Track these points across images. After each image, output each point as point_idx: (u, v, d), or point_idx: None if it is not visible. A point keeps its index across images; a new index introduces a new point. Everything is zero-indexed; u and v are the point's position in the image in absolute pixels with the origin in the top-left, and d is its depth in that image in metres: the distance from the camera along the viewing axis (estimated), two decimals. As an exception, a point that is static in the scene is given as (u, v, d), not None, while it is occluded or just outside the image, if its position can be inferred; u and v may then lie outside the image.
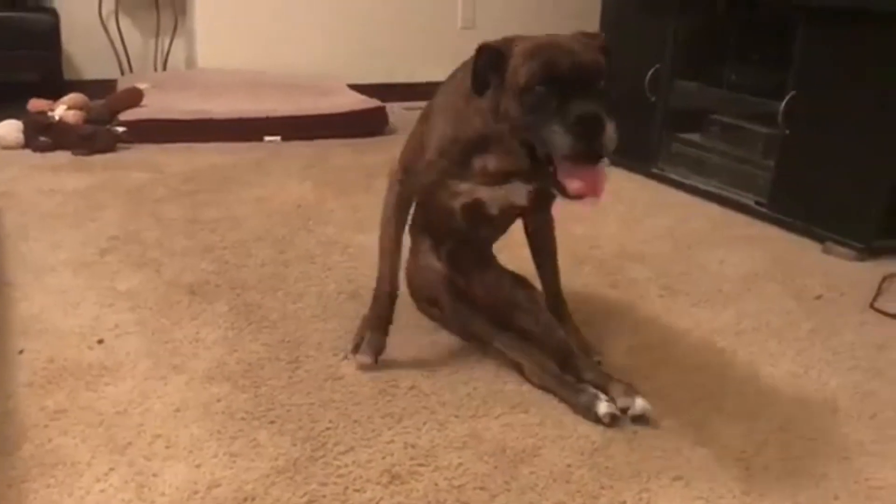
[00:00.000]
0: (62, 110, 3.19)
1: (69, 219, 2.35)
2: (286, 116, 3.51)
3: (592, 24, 3.27)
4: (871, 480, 1.29)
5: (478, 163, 1.44)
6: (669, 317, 1.88)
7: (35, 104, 3.25)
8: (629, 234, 2.46)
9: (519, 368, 1.55)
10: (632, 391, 1.44)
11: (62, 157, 3.02)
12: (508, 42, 1.32)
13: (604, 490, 1.24)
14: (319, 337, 1.69)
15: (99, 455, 1.27)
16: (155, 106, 3.39)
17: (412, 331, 1.63)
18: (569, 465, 1.29)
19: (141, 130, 3.24)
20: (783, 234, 2.50)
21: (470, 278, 1.69)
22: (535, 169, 1.32)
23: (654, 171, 3.05)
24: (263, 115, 3.48)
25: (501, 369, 1.58)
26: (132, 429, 1.34)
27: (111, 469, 1.24)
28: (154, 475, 1.23)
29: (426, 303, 1.76)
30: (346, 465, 1.27)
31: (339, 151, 3.33)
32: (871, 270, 2.20)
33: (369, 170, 3.04)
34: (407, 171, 1.55)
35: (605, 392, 1.45)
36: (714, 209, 2.74)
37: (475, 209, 1.54)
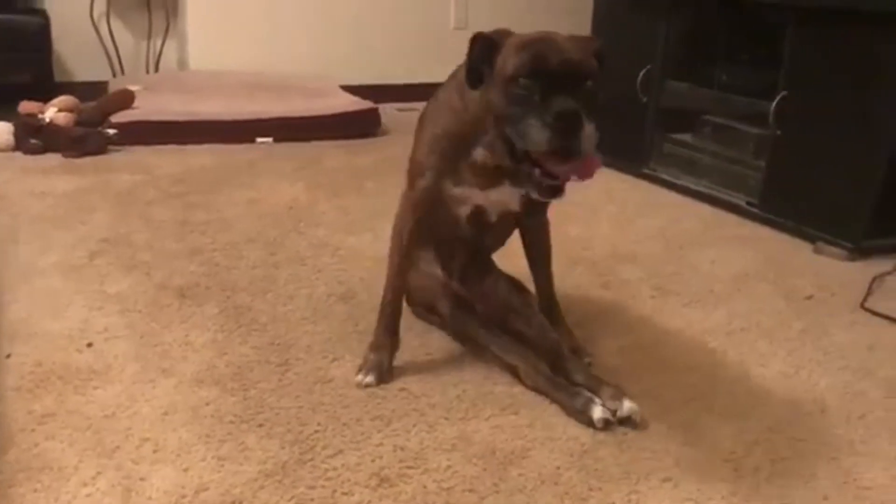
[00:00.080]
0: (53, 112, 3.18)
1: (59, 221, 2.34)
2: (278, 118, 3.50)
3: (584, 25, 3.27)
4: (860, 480, 1.29)
5: (469, 158, 1.44)
6: (661, 317, 1.88)
7: (25, 106, 3.23)
8: (621, 235, 2.46)
9: (514, 371, 1.55)
10: (620, 394, 1.44)
11: (53, 159, 3.01)
12: (502, 34, 1.33)
13: (593, 492, 1.24)
14: (309, 340, 1.69)
15: (86, 459, 1.26)
16: (146, 108, 3.38)
17: (402, 334, 1.62)
18: (558, 467, 1.29)
19: (132, 132, 3.23)
20: (774, 234, 2.51)
21: (474, 289, 1.70)
22: (515, 167, 1.32)
23: (646, 171, 3.05)
24: (255, 116, 3.47)
25: (491, 371, 1.58)
26: (120, 432, 1.34)
27: (98, 473, 1.23)
28: (142, 479, 1.22)
29: (424, 309, 1.76)
30: (335, 469, 1.27)
31: (331, 153, 3.32)
32: (862, 270, 2.20)
33: (361, 171, 3.04)
34: (409, 178, 1.56)
35: (595, 395, 1.44)
36: (705, 209, 2.74)
37: (478, 216, 1.54)
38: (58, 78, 3.90)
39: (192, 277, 1.98)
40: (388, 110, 3.88)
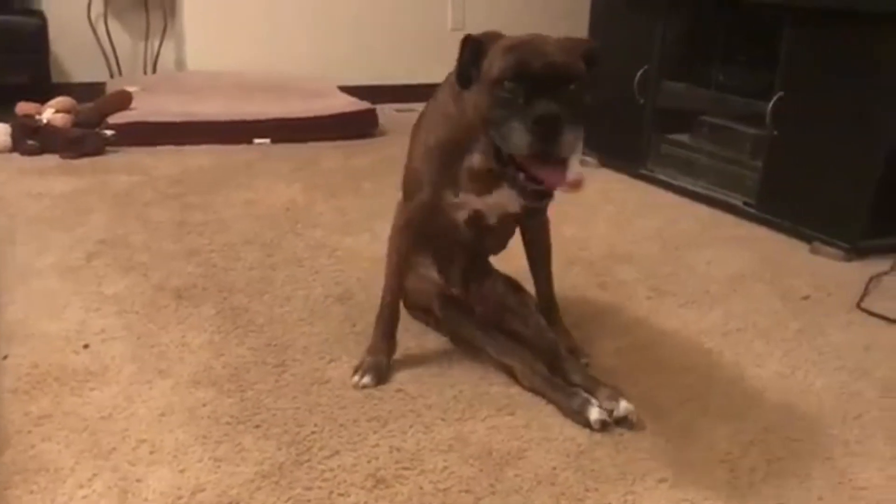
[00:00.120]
0: (50, 113, 3.18)
1: (56, 222, 2.34)
2: (276, 119, 3.50)
3: (581, 26, 3.28)
4: (856, 481, 1.30)
5: (465, 163, 1.44)
6: (657, 318, 1.88)
7: (22, 107, 3.23)
8: (618, 235, 2.47)
9: (511, 372, 1.55)
10: (616, 394, 1.44)
11: (50, 160, 3.01)
12: (491, 36, 1.33)
13: (589, 492, 1.24)
14: (306, 341, 1.69)
15: (83, 461, 1.26)
16: (144, 109, 3.38)
17: (399, 334, 1.63)
18: (554, 468, 1.29)
19: (130, 133, 3.23)
20: (771, 234, 2.51)
21: (474, 292, 1.70)
22: (501, 170, 1.32)
23: (643, 171, 3.05)
24: (253, 117, 3.48)
25: (488, 372, 1.58)
26: (117, 434, 1.34)
27: (95, 475, 1.23)
28: (138, 481, 1.23)
29: (420, 311, 1.76)
30: (332, 470, 1.27)
31: (328, 154, 3.32)
32: (859, 270, 2.20)
33: (359, 172, 3.05)
34: (405, 189, 1.56)
35: (593, 396, 1.45)
36: (703, 210, 2.74)
37: (477, 220, 1.54)
38: (55, 79, 3.91)
39: (190, 278, 1.98)
40: (385, 111, 3.89)
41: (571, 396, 1.45)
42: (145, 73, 4.33)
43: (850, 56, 2.28)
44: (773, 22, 2.52)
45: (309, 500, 1.20)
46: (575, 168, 1.26)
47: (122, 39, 4.28)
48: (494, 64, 1.28)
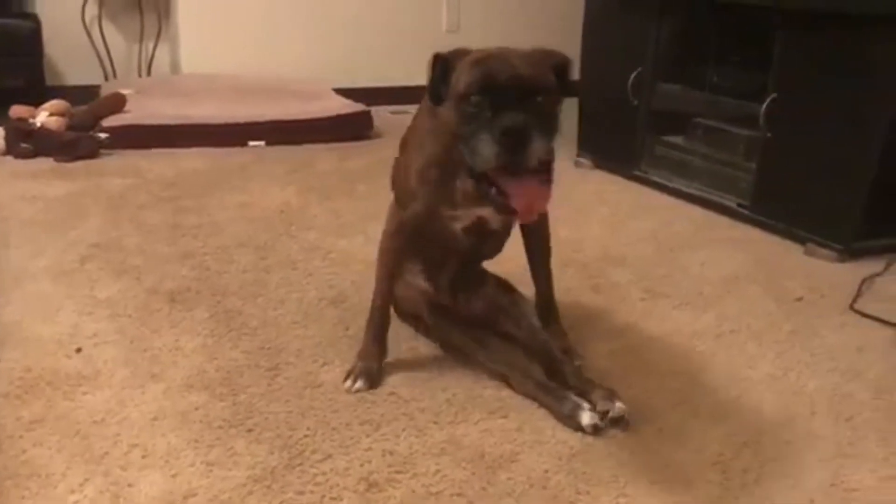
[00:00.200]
0: (44, 116, 3.17)
1: (50, 226, 2.34)
2: (270, 121, 3.50)
3: (575, 28, 3.28)
4: (847, 483, 1.30)
5: (459, 184, 1.41)
6: (651, 320, 1.88)
7: (16, 110, 3.22)
8: (612, 237, 2.47)
9: (504, 379, 1.55)
10: (612, 395, 1.44)
11: (44, 163, 3.01)
12: (458, 53, 1.33)
13: (581, 495, 1.24)
14: (299, 344, 1.69)
15: (74, 465, 1.26)
16: (138, 112, 3.38)
17: (391, 338, 1.63)
18: (546, 471, 1.29)
19: (124, 136, 3.23)
20: (765, 235, 2.51)
21: (466, 299, 1.70)
22: (475, 186, 1.30)
23: (638, 173, 3.05)
24: (247, 119, 3.47)
25: (480, 375, 1.58)
26: (109, 438, 1.34)
27: (86, 479, 1.23)
28: (130, 485, 1.22)
29: (410, 318, 1.76)
30: (324, 473, 1.27)
31: (323, 156, 3.32)
32: (852, 272, 2.21)
33: (353, 174, 3.05)
34: (398, 200, 1.55)
35: (587, 397, 1.45)
36: (697, 211, 2.75)
37: (478, 227, 1.53)
38: (49, 82, 3.90)
39: (183, 282, 1.98)
40: (380, 113, 3.88)
41: (563, 401, 1.44)
42: (140, 75, 4.33)
43: (842, 57, 2.28)
44: (766, 24, 2.52)
45: (301, 504, 1.20)
46: (546, 184, 1.25)
47: (117, 42, 4.27)
48: (461, 79, 1.28)
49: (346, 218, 2.50)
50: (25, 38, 3.66)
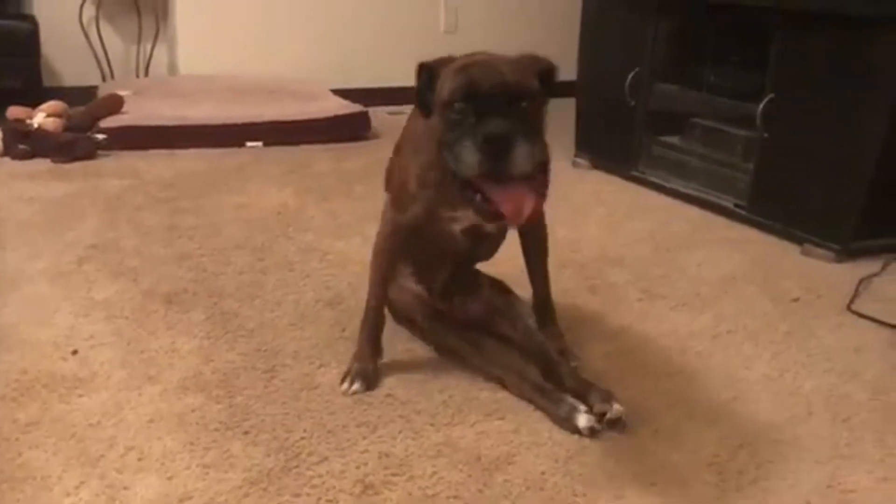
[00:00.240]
0: (41, 118, 3.17)
1: (47, 227, 2.34)
2: (268, 122, 3.50)
3: (573, 29, 3.28)
4: (844, 484, 1.30)
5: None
6: (647, 321, 1.88)
7: (13, 111, 3.22)
8: (610, 238, 2.47)
9: (501, 382, 1.55)
10: (609, 396, 1.44)
11: (41, 164, 3.01)
12: (443, 61, 1.34)
13: (577, 497, 1.24)
14: (296, 346, 1.69)
15: (70, 468, 1.26)
16: (136, 113, 3.38)
17: (387, 340, 1.63)
18: (543, 473, 1.29)
19: (121, 137, 3.23)
20: (762, 236, 2.52)
21: (460, 302, 1.69)
22: (460, 192, 1.30)
23: (635, 173, 3.06)
24: (245, 120, 3.47)
25: (477, 377, 1.58)
26: (104, 441, 1.34)
27: (82, 482, 1.23)
28: (125, 488, 1.22)
29: (405, 320, 1.76)
30: (320, 476, 1.26)
31: (320, 157, 3.32)
32: (849, 272, 2.21)
33: (350, 175, 3.04)
34: (395, 203, 1.54)
35: (585, 399, 1.45)
36: (694, 212, 2.75)
37: (475, 229, 1.52)
38: (46, 83, 3.90)
39: (180, 283, 1.98)
40: (378, 113, 3.88)
41: (559, 403, 1.44)
42: (137, 76, 4.33)
43: (840, 58, 2.28)
44: (764, 24, 2.52)
45: (297, 507, 1.20)
46: (533, 188, 1.24)
47: (114, 43, 4.28)
48: (445, 86, 1.28)
49: (343, 219, 2.50)
50: (23, 39, 3.66)
